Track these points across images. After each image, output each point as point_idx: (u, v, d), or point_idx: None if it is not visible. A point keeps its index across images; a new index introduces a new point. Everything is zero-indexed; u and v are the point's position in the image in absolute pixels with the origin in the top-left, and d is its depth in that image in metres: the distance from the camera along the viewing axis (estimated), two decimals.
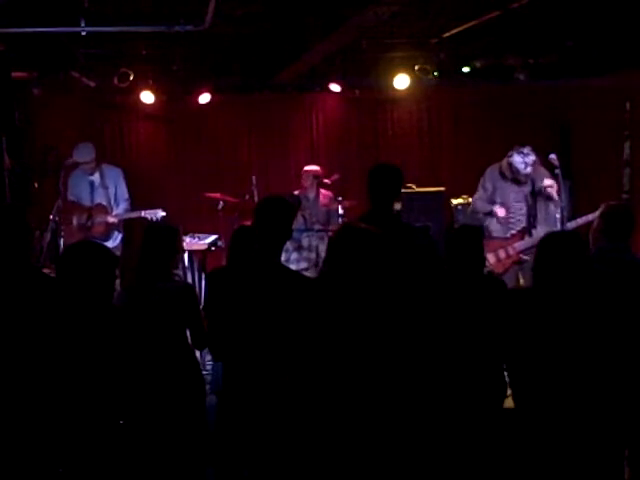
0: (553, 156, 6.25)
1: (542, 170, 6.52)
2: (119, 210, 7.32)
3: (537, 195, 6.48)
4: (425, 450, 3.56)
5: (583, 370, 3.49)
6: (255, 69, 8.28)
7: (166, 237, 4.05)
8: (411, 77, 8.36)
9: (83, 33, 5.92)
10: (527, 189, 6.49)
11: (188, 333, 4.02)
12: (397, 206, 6.93)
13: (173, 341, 3.91)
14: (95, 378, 3.33)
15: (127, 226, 7.58)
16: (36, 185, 8.25)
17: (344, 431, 3.07)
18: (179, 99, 8.82)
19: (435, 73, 8.31)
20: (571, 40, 7.44)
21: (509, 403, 3.98)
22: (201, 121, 9.15)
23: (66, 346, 3.32)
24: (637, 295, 3.85)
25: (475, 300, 3.96)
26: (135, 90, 8.28)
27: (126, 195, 7.47)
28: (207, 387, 4.23)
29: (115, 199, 7.34)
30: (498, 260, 6.38)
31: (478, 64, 8.30)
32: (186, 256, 7.23)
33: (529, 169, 6.36)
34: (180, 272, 6.61)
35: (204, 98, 8.60)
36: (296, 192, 8.08)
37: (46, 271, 6.08)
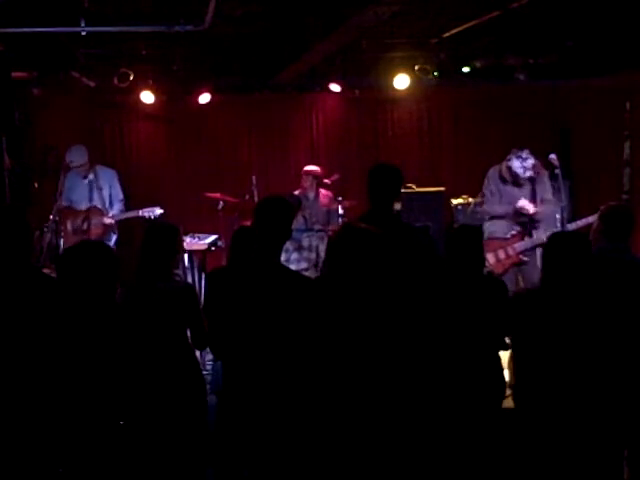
0: (553, 156, 6.24)
1: (542, 172, 6.52)
2: (114, 211, 7.28)
3: (537, 196, 6.48)
4: (425, 450, 3.56)
5: (586, 369, 3.50)
6: (255, 69, 8.28)
7: (166, 237, 4.05)
8: (411, 77, 8.36)
9: (83, 33, 5.92)
10: (527, 190, 6.48)
11: (188, 333, 4.02)
12: (397, 206, 6.95)
13: (173, 341, 3.91)
14: (95, 378, 3.33)
15: (122, 226, 7.55)
16: (36, 185, 8.25)
17: (344, 431, 3.07)
18: (179, 99, 8.82)
19: (435, 73, 8.31)
20: (571, 40, 7.44)
21: (509, 403, 3.98)
22: (201, 121, 9.15)
23: (66, 346, 3.32)
24: (637, 295, 3.85)
25: (475, 300, 3.96)
26: (135, 90, 8.28)
27: (121, 196, 7.41)
28: (207, 387, 4.22)
29: (110, 200, 7.29)
30: (498, 260, 6.38)
31: (478, 64, 8.30)
32: (186, 256, 7.23)
33: (528, 173, 6.35)
34: (180, 272, 6.61)
35: (204, 98, 8.60)
36: (296, 192, 8.08)
37: (46, 271, 6.11)
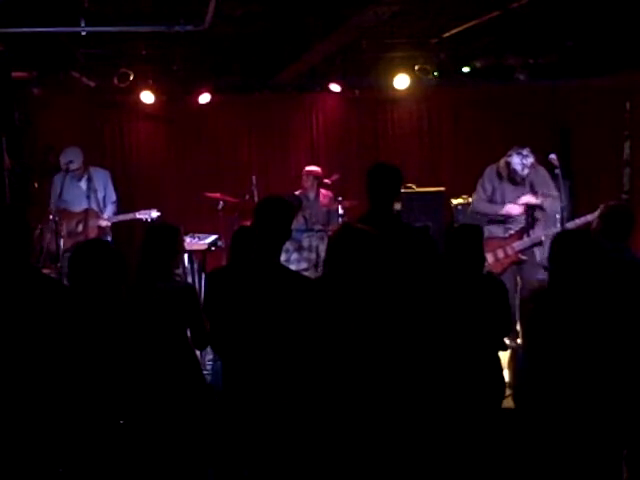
0: (553, 156, 6.24)
1: (542, 171, 6.52)
2: (107, 213, 7.22)
3: (535, 195, 6.48)
4: (424, 450, 3.56)
5: (589, 369, 3.51)
6: (255, 69, 8.28)
7: (167, 237, 4.05)
8: (411, 77, 8.36)
9: (83, 33, 5.92)
10: (525, 189, 6.48)
11: (188, 333, 4.02)
12: (397, 206, 6.95)
13: (174, 341, 3.91)
14: (95, 378, 3.34)
15: (120, 228, 7.53)
16: (36, 185, 8.24)
17: (343, 431, 3.07)
18: (179, 99, 8.82)
19: (435, 73, 8.31)
20: (571, 40, 7.44)
21: (509, 403, 3.99)
22: (201, 121, 9.16)
23: (67, 346, 3.32)
24: (637, 295, 3.85)
25: (474, 300, 3.97)
26: (135, 90, 8.28)
27: (114, 197, 7.36)
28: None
29: (103, 202, 7.23)
30: (496, 260, 6.38)
31: (478, 64, 8.30)
32: (186, 256, 7.23)
33: (526, 171, 6.35)
34: (180, 272, 6.61)
35: (204, 98, 8.60)
36: (296, 192, 8.08)
37: (46, 271, 6.11)
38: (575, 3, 6.26)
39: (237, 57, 8.03)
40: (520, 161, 6.31)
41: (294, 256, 7.72)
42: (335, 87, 8.75)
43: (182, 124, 9.18)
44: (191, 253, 7.37)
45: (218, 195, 7.98)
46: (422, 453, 3.50)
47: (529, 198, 6.38)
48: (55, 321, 3.36)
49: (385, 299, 3.28)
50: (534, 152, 6.42)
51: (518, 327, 6.38)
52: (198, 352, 4.59)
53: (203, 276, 7.22)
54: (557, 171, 6.22)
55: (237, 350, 3.67)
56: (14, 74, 7.67)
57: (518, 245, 6.40)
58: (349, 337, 3.10)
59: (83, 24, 5.81)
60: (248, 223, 5.59)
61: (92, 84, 8.12)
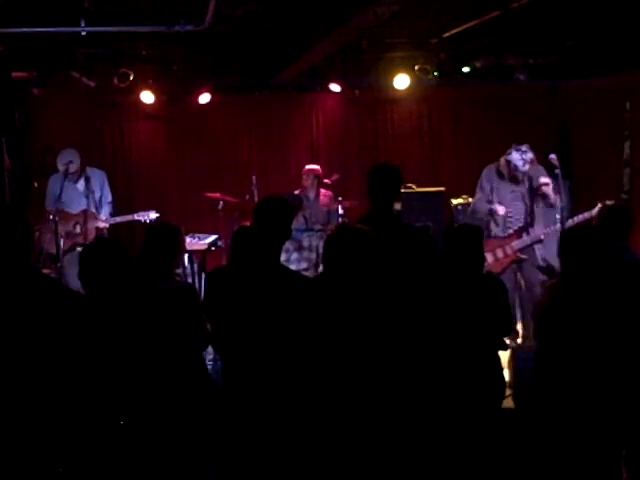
0: (553, 156, 6.24)
1: (540, 168, 6.53)
2: (104, 214, 7.18)
3: (534, 194, 6.48)
4: (424, 450, 3.56)
5: (594, 368, 3.51)
6: (255, 69, 8.28)
7: (167, 237, 4.05)
8: (411, 77, 8.36)
9: (83, 33, 5.92)
10: (524, 188, 6.49)
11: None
12: (397, 206, 6.95)
13: (175, 341, 3.91)
14: (95, 378, 3.34)
15: (113, 230, 7.49)
16: (36, 185, 8.24)
17: (343, 430, 3.07)
18: (179, 99, 8.82)
19: (435, 73, 8.31)
20: (571, 40, 7.44)
21: (509, 403, 3.99)
22: (201, 121, 9.16)
23: (67, 346, 3.32)
24: (636, 294, 3.85)
25: (474, 300, 3.97)
26: (135, 90, 8.28)
27: (109, 198, 7.32)
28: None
29: (99, 202, 7.18)
30: (496, 259, 6.38)
31: (478, 64, 8.30)
32: (186, 256, 7.23)
33: (527, 166, 6.37)
34: (180, 272, 6.61)
35: (204, 98, 8.60)
36: (296, 192, 8.08)
37: (46, 271, 6.11)
38: (575, 3, 6.26)
39: (237, 57, 8.03)
40: (520, 157, 6.32)
41: (294, 256, 7.73)
42: (335, 87, 8.75)
43: (182, 124, 9.18)
44: (191, 253, 7.37)
45: (218, 195, 7.98)
46: (422, 452, 3.49)
47: (499, 210, 6.41)
48: (55, 321, 3.36)
49: (383, 299, 3.28)
50: (534, 152, 6.43)
51: (518, 327, 6.44)
52: None
53: (203, 276, 7.22)
54: (557, 171, 6.22)
55: (237, 350, 3.67)
56: (14, 74, 7.67)
57: (517, 244, 6.41)
58: (349, 337, 3.10)
59: (83, 24, 5.81)
60: (248, 223, 5.59)
61: (92, 84, 8.12)
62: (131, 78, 7.89)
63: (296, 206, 7.41)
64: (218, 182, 8.63)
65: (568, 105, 9.15)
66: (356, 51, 7.66)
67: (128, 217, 7.18)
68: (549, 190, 6.33)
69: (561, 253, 3.76)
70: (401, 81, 8.41)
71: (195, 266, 7.42)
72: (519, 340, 6.49)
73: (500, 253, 6.41)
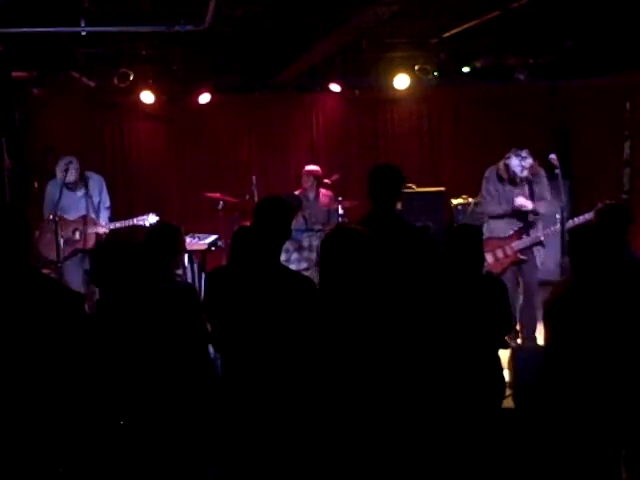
0: (553, 156, 6.24)
1: (540, 172, 6.53)
2: (102, 219, 7.09)
3: (534, 195, 6.48)
4: (424, 450, 3.56)
5: (599, 368, 3.52)
6: (255, 69, 8.28)
7: (168, 237, 4.05)
8: (411, 77, 8.36)
9: (83, 33, 5.92)
10: (524, 189, 6.49)
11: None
12: (398, 206, 6.94)
13: (174, 341, 3.90)
14: (95, 378, 3.34)
15: (112, 236, 7.45)
16: (36, 185, 8.23)
17: (343, 430, 3.08)
18: (179, 99, 8.83)
19: (435, 73, 8.31)
20: (571, 40, 7.44)
21: (509, 403, 3.99)
22: (201, 121, 9.16)
23: (67, 346, 3.32)
24: (636, 293, 3.85)
25: (474, 300, 3.97)
26: (135, 90, 8.28)
27: (108, 203, 7.22)
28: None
29: (98, 208, 7.09)
30: (496, 260, 6.38)
31: (478, 64, 8.30)
32: (186, 256, 7.22)
33: (525, 172, 6.38)
34: (180, 272, 6.60)
35: (204, 98, 8.60)
36: (296, 192, 8.08)
37: (46, 271, 6.11)
38: (575, 3, 6.26)
39: (237, 57, 8.03)
40: (519, 163, 6.33)
41: (294, 256, 7.72)
42: (335, 87, 8.75)
43: (182, 124, 9.18)
44: (191, 253, 7.36)
45: (218, 195, 7.98)
46: (422, 452, 3.49)
47: (523, 202, 6.38)
48: (55, 321, 3.36)
49: (382, 299, 3.28)
50: (533, 153, 6.43)
51: (518, 327, 6.44)
52: None
53: (203, 276, 7.22)
54: (557, 171, 6.21)
55: (237, 349, 3.67)
56: (14, 74, 7.67)
57: (517, 244, 6.41)
58: (349, 337, 3.10)
59: (83, 24, 5.81)
60: (248, 223, 5.58)
61: (92, 84, 8.12)
62: (131, 78, 7.89)
63: (295, 206, 7.41)
64: (218, 182, 8.64)
65: (568, 105, 9.16)
66: (356, 51, 7.66)
67: (128, 222, 7.13)
68: (528, 208, 6.36)
69: (571, 250, 3.77)
70: (401, 81, 8.42)
71: (195, 266, 7.41)
72: (519, 340, 6.49)
73: (500, 253, 6.41)
